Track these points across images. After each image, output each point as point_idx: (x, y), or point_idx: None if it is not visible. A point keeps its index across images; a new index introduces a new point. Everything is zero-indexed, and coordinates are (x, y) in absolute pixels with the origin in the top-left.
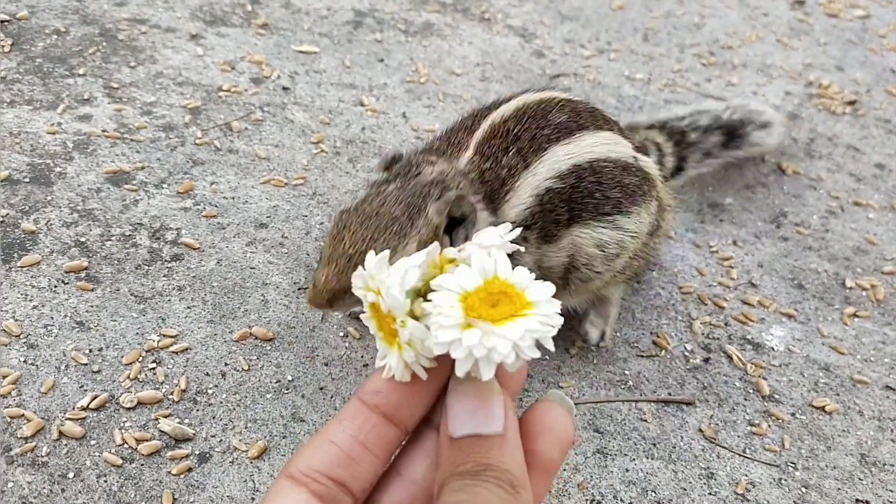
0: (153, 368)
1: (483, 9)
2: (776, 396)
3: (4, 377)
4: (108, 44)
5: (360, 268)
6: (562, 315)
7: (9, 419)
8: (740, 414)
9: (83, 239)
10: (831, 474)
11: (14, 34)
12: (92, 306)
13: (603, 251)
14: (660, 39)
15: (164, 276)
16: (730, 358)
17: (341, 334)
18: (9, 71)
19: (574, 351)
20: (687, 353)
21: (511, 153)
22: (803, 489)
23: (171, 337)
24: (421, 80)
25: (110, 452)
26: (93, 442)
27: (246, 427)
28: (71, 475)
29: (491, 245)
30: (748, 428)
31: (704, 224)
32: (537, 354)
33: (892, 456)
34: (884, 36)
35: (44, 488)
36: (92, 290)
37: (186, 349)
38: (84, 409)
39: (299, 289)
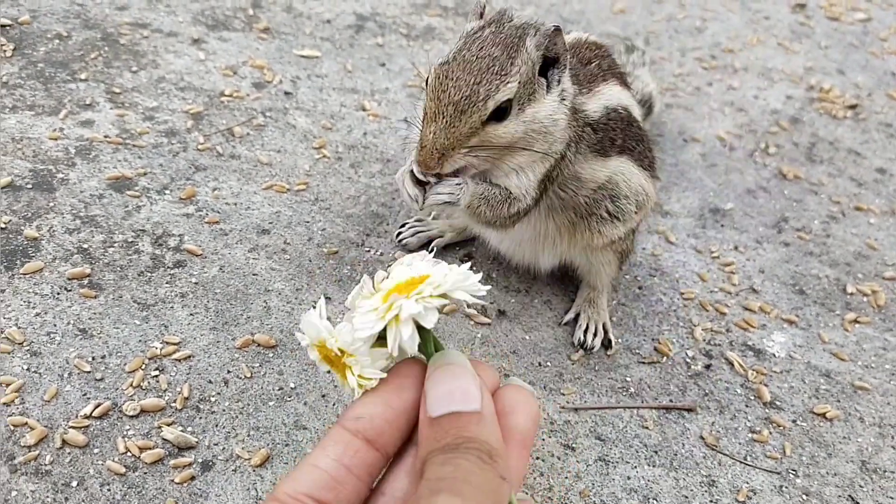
0: (156, 376)
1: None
2: (777, 403)
3: (7, 385)
4: (109, 48)
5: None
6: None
7: (12, 427)
8: (741, 421)
9: (86, 245)
10: (832, 481)
11: (16, 39)
12: (95, 313)
13: (631, 190)
14: (661, 43)
15: (166, 283)
16: (731, 364)
17: None
18: (11, 76)
19: (576, 357)
20: (688, 360)
21: (594, 65)
22: (804, 496)
23: (174, 344)
24: (422, 84)
25: (113, 461)
26: (96, 450)
27: (248, 435)
28: (74, 484)
29: (413, 259)
30: (749, 435)
31: (706, 229)
32: (443, 303)
33: (892, 463)
34: (885, 39)
35: (47, 497)
36: (95, 297)
37: (189, 356)
38: (87, 417)
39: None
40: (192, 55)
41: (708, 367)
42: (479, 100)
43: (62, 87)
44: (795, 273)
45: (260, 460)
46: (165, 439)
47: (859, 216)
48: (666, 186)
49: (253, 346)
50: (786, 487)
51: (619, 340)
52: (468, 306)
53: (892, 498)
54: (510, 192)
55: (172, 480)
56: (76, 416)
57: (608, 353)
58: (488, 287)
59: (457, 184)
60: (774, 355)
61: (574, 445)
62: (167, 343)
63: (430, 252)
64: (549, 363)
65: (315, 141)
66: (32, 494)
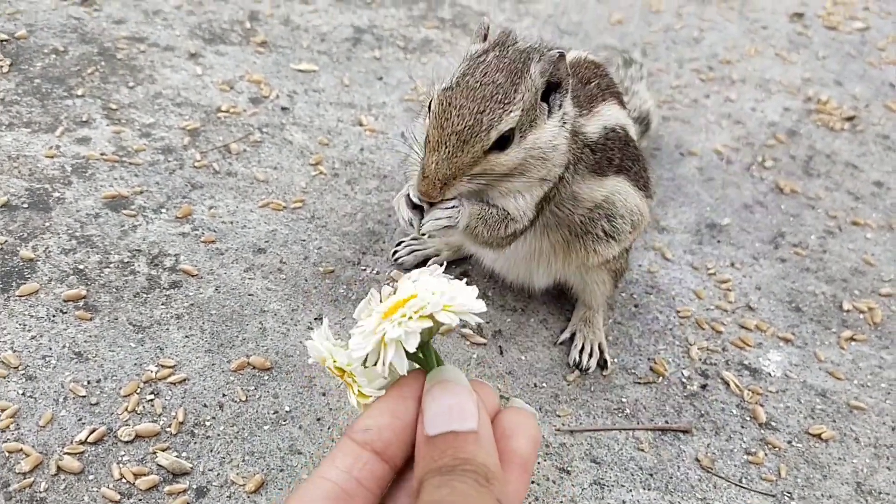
0: (151, 400)
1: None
2: (773, 424)
3: (3, 411)
4: (106, 63)
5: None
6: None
7: (7, 454)
8: (737, 442)
9: (81, 266)
10: None
11: (13, 54)
12: (90, 336)
13: (627, 209)
14: (658, 54)
15: (162, 305)
16: (727, 384)
17: None
18: (7, 92)
19: (571, 378)
20: (684, 380)
21: (593, 84)
22: None
23: (169, 367)
24: (419, 99)
25: (108, 487)
26: (91, 477)
27: (243, 460)
28: None
29: (420, 274)
30: (745, 457)
31: (702, 245)
32: (424, 326)
33: (888, 484)
34: (883, 49)
35: None
36: (90, 319)
37: (184, 380)
38: (82, 442)
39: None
40: (189, 70)
41: (704, 387)
42: (482, 130)
43: (59, 103)
44: (792, 290)
45: (254, 486)
46: (160, 465)
47: (856, 231)
48: (663, 201)
49: (248, 368)
50: None
51: (615, 360)
52: (463, 326)
53: None
54: (508, 213)
55: None
56: (71, 442)
57: (604, 373)
58: (483, 309)
59: (453, 206)
60: (770, 374)
61: (569, 469)
62: (162, 366)
63: (440, 266)
64: (544, 384)
65: (311, 157)
66: None
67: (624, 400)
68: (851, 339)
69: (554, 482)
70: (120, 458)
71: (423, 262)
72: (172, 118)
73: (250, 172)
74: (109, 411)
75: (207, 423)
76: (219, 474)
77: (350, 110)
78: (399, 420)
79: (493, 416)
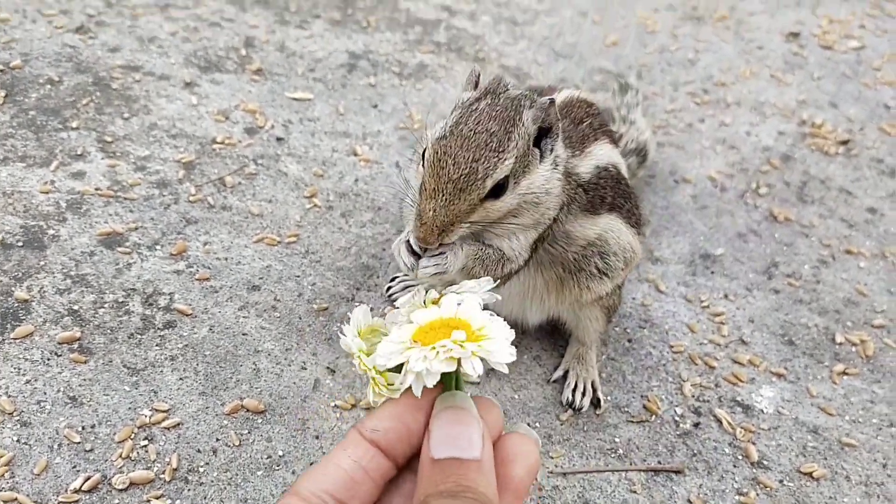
0: (145, 446)
1: (477, 48)
2: (765, 462)
3: None
4: (101, 93)
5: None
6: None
7: (3, 503)
8: (729, 482)
9: (76, 307)
10: None
11: (7, 85)
12: (85, 380)
13: (620, 247)
14: (654, 77)
15: (156, 346)
16: (719, 422)
17: (332, 405)
18: (2, 125)
19: (564, 417)
20: (677, 418)
21: (585, 125)
22: None
23: (163, 411)
24: (414, 127)
25: None
26: None
27: None
28: None
29: (467, 291)
30: (737, 497)
31: (696, 277)
32: (445, 369)
33: None
34: (878, 69)
35: None
36: (85, 362)
37: (178, 424)
38: (77, 491)
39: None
40: (184, 99)
41: (696, 425)
42: (478, 178)
43: (54, 136)
44: (785, 322)
45: None
46: None
47: (849, 260)
48: (657, 231)
49: (242, 411)
50: None
51: (609, 398)
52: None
53: None
54: (503, 253)
55: None
56: (66, 491)
57: (597, 412)
58: (512, 359)
59: (441, 254)
60: (762, 411)
61: None
62: (156, 410)
63: (493, 283)
64: (538, 424)
65: (306, 189)
66: None
67: (617, 440)
68: (844, 372)
69: None
70: None
71: None
72: (167, 150)
73: (245, 206)
74: (104, 458)
75: (201, 470)
76: None
77: (345, 140)
78: (404, 426)
79: (496, 437)
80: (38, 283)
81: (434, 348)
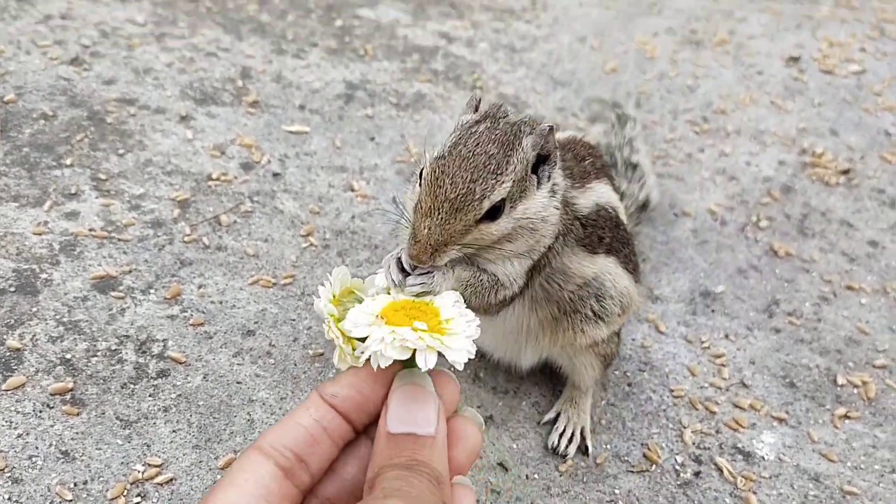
0: (138, 503)
1: (475, 76)
2: None
3: None
4: (96, 128)
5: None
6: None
7: None
8: None
9: (69, 356)
10: None
11: (1, 120)
12: (77, 433)
13: (617, 291)
14: (653, 105)
15: (149, 396)
16: (720, 471)
17: None
18: None
19: (564, 468)
20: (678, 467)
21: (587, 162)
22: None
23: (156, 466)
24: (412, 160)
25: None
26: None
27: None
28: None
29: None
30: None
31: (696, 316)
32: (397, 356)
33: None
34: (878, 93)
35: None
36: (77, 414)
37: (171, 480)
38: None
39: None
40: (179, 134)
41: (697, 474)
42: (475, 199)
43: (47, 174)
44: (786, 364)
45: None
46: None
47: (851, 296)
48: (656, 267)
49: None
50: None
51: (608, 446)
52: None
53: None
54: (497, 279)
55: None
56: None
57: (597, 461)
58: (471, 357)
59: (430, 273)
60: (764, 458)
61: None
62: (149, 465)
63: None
64: (536, 475)
65: (302, 228)
66: None
67: (617, 491)
68: (845, 416)
69: None
70: None
71: None
72: (162, 188)
73: (240, 246)
74: None
75: None
76: None
77: (341, 174)
78: (364, 397)
79: (450, 413)
80: (31, 331)
81: (394, 332)
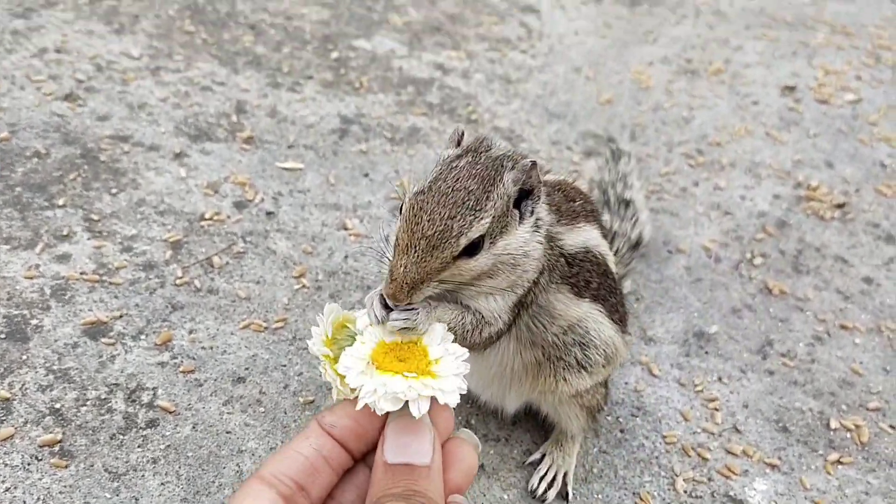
0: None
1: (470, 108)
2: None
3: None
4: (89, 167)
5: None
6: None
7: None
8: None
9: (58, 405)
10: None
11: None
12: (65, 486)
13: (601, 340)
14: (648, 137)
15: (138, 447)
16: None
17: None
18: None
19: None
20: None
21: (577, 204)
22: None
23: None
24: (401, 198)
25: None
26: None
27: None
28: None
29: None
30: None
31: (690, 357)
32: (390, 408)
33: None
34: (874, 123)
35: None
36: (66, 466)
37: None
38: None
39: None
40: (173, 172)
41: None
42: (451, 236)
43: (39, 214)
44: (779, 407)
45: None
46: None
47: (845, 336)
48: (650, 307)
49: None
50: None
51: (600, 496)
52: None
53: None
54: (482, 316)
55: None
56: None
57: None
58: (464, 392)
59: (413, 309)
60: None
61: None
62: None
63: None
64: None
65: (295, 269)
66: None
67: None
68: (838, 461)
69: None
70: None
71: None
72: (155, 229)
73: (232, 289)
74: None
75: None
76: None
77: (335, 212)
78: (362, 427)
79: (445, 440)
80: (21, 380)
81: (385, 385)
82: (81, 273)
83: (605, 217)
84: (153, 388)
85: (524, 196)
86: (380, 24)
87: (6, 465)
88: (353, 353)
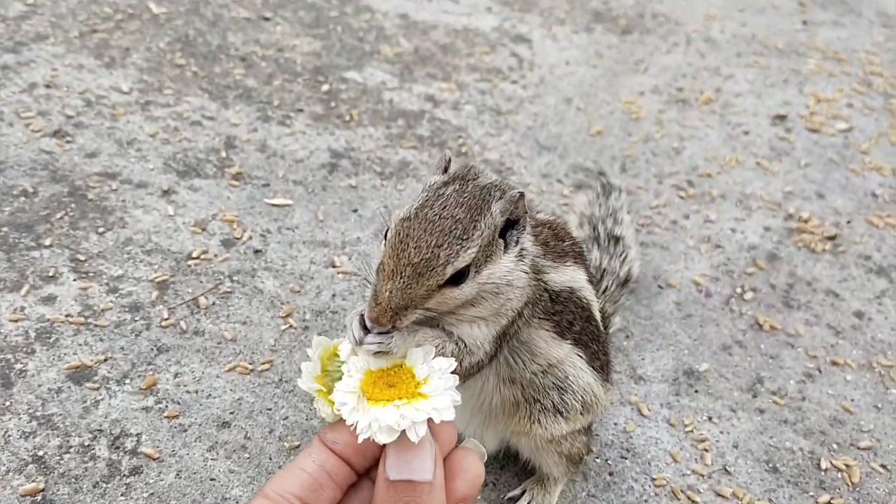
0: None
1: (460, 141)
2: None
3: None
4: (76, 205)
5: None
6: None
7: None
8: None
9: (41, 453)
10: None
11: None
12: None
13: (579, 386)
14: (638, 169)
15: (121, 496)
16: None
17: None
18: None
19: None
20: None
21: (567, 243)
22: None
23: None
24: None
25: None
26: None
27: None
28: None
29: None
30: None
31: (679, 396)
32: (388, 440)
33: None
34: (865, 152)
35: None
36: None
37: None
38: None
39: None
40: (161, 209)
41: None
42: (438, 264)
43: (26, 255)
44: (769, 447)
45: None
46: None
47: (836, 372)
48: (640, 344)
49: None
50: None
51: None
52: None
53: None
54: (465, 344)
55: None
56: None
57: None
58: (458, 404)
59: (389, 333)
60: None
61: None
62: None
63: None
64: None
65: (282, 308)
66: None
67: None
68: (829, 503)
69: None
70: None
71: None
72: (142, 269)
73: (218, 330)
74: None
75: None
76: None
77: (323, 250)
78: (363, 443)
79: (447, 453)
80: (3, 427)
81: (377, 420)
82: (67, 315)
83: (595, 254)
84: (137, 434)
85: (510, 226)
86: (371, 55)
87: None
88: (344, 388)
